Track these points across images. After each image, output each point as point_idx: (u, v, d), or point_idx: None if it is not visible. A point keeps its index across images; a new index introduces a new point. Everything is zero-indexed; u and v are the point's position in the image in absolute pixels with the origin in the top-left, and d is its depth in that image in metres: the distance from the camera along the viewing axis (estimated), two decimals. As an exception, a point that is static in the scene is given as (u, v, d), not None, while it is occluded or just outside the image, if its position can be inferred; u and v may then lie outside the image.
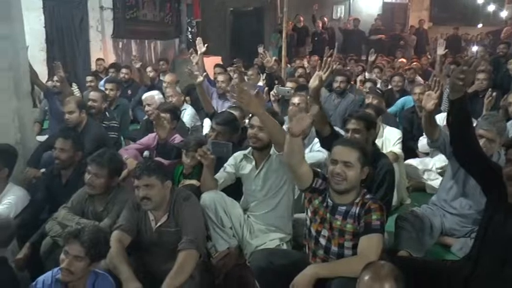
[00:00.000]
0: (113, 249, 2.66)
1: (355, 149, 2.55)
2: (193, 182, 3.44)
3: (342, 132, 3.56)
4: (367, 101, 5.20)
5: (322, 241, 2.61)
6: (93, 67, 8.71)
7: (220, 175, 3.34)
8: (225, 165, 3.39)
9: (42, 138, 4.87)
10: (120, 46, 9.93)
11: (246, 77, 7.22)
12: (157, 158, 3.94)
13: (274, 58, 7.03)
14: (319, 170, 2.78)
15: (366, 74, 7.95)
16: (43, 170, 4.09)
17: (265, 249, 2.90)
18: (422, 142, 4.75)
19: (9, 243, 2.64)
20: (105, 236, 2.49)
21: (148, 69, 8.03)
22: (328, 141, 3.24)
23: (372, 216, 2.46)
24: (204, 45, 6.09)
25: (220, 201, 3.12)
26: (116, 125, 5.05)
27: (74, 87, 6.56)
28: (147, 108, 4.78)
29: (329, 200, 2.60)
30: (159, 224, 2.84)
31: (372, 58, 7.83)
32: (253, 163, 3.26)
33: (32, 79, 4.57)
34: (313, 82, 3.12)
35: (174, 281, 2.50)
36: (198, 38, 6.35)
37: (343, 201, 2.55)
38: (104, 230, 2.60)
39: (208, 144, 3.23)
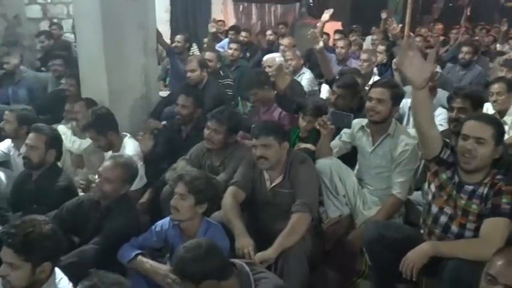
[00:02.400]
0: (227, 204, 2.76)
1: (490, 124, 2.31)
2: (309, 146, 3.40)
3: None
4: (500, 74, 4.81)
5: (443, 219, 2.44)
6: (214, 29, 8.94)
7: (336, 143, 3.28)
8: (341, 133, 3.32)
9: (163, 94, 5.14)
10: (241, 9, 10.10)
11: (370, 42, 6.97)
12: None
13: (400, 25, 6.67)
14: (447, 140, 2.55)
15: (498, 45, 7.32)
16: (164, 122, 4.31)
17: (377, 221, 2.81)
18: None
19: (133, 181, 2.87)
20: (208, 179, 2.61)
21: (268, 32, 8.07)
22: None
23: (502, 198, 2.25)
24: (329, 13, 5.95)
25: (336, 168, 3.06)
26: (230, 82, 5.21)
27: (194, 47, 6.78)
28: (267, 69, 4.81)
29: (456, 177, 2.42)
30: (273, 184, 2.85)
31: (503, 28, 7.17)
32: (370, 138, 3.14)
33: (156, 38, 4.78)
34: None
35: (285, 241, 2.51)
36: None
37: (471, 180, 2.36)
38: (207, 175, 2.71)
39: (329, 113, 3.14)
